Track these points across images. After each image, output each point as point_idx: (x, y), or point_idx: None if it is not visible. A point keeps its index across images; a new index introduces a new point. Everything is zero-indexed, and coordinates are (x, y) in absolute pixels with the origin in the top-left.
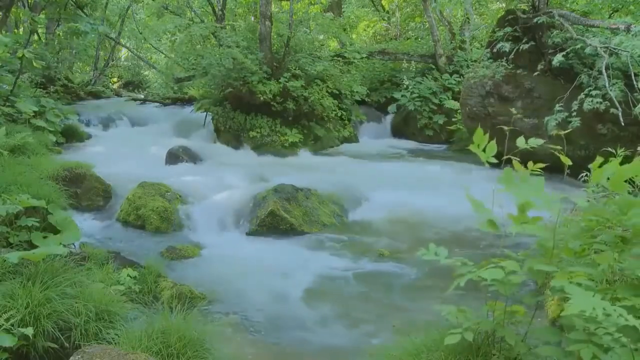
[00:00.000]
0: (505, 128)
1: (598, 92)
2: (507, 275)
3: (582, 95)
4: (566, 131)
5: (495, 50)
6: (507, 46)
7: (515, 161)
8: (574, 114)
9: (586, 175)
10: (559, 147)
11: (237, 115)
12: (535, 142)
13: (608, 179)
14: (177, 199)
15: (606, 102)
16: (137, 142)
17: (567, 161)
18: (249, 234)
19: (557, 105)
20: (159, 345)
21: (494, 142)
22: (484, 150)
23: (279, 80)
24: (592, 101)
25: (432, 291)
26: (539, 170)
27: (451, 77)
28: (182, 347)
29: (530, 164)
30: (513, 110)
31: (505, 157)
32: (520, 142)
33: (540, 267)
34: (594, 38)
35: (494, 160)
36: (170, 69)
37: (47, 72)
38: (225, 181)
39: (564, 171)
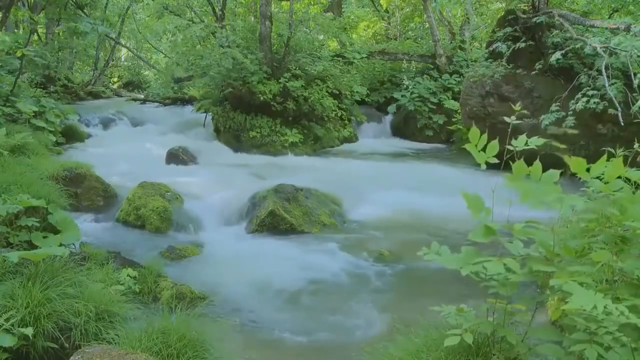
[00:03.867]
0: (508, 119)
1: (596, 92)
2: (506, 274)
3: (579, 95)
4: (562, 129)
5: (495, 50)
6: (504, 47)
7: (518, 161)
8: (571, 112)
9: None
10: (563, 146)
11: (237, 115)
12: (536, 141)
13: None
14: (177, 199)
15: (605, 102)
16: (137, 142)
17: (570, 162)
18: (249, 233)
19: (554, 104)
20: (159, 345)
21: (495, 142)
22: (482, 150)
23: (279, 80)
24: (588, 101)
25: (432, 291)
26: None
27: (451, 77)
28: (182, 347)
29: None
30: (516, 106)
31: (506, 157)
32: (520, 141)
33: (541, 267)
34: (593, 38)
35: (495, 160)
36: (170, 69)
37: (47, 72)
38: (225, 181)
39: (562, 171)
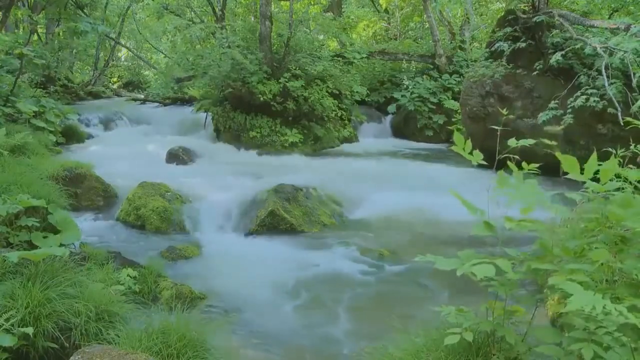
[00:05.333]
0: (495, 127)
1: (595, 91)
2: (505, 274)
3: (578, 93)
4: (560, 127)
5: (495, 50)
6: (505, 46)
7: (510, 162)
8: (569, 111)
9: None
10: (554, 143)
11: (237, 115)
12: (526, 142)
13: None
14: (177, 199)
15: (604, 101)
16: (137, 142)
17: (562, 159)
18: (249, 233)
19: (553, 102)
20: (159, 345)
21: (477, 152)
22: (470, 153)
23: (279, 80)
24: (586, 99)
25: (432, 291)
26: (535, 170)
27: (451, 77)
28: (182, 347)
29: (524, 164)
30: (504, 110)
31: (500, 157)
32: (512, 141)
33: (539, 265)
34: (593, 38)
35: (484, 163)
36: (170, 69)
37: (47, 72)
38: (225, 181)
39: (563, 171)
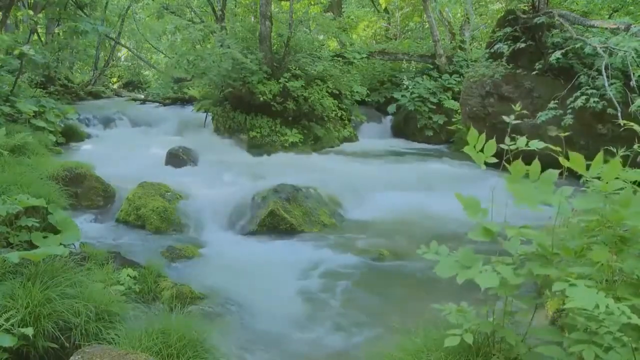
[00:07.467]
0: (507, 119)
1: (595, 91)
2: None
3: (577, 93)
4: (566, 133)
5: (495, 50)
6: (504, 47)
7: (515, 161)
8: (570, 111)
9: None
10: (558, 149)
11: (237, 115)
12: (537, 144)
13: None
14: (177, 199)
15: (604, 101)
16: (137, 142)
17: (566, 163)
18: (249, 234)
19: (552, 102)
20: (159, 345)
21: (493, 141)
22: (480, 151)
23: (279, 80)
24: (587, 99)
25: (432, 291)
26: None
27: (451, 77)
28: (182, 347)
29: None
30: (515, 106)
31: (505, 157)
32: (521, 142)
33: (540, 270)
34: (593, 38)
35: (493, 160)
36: (170, 69)
37: (47, 72)
38: (225, 181)
39: (563, 172)
